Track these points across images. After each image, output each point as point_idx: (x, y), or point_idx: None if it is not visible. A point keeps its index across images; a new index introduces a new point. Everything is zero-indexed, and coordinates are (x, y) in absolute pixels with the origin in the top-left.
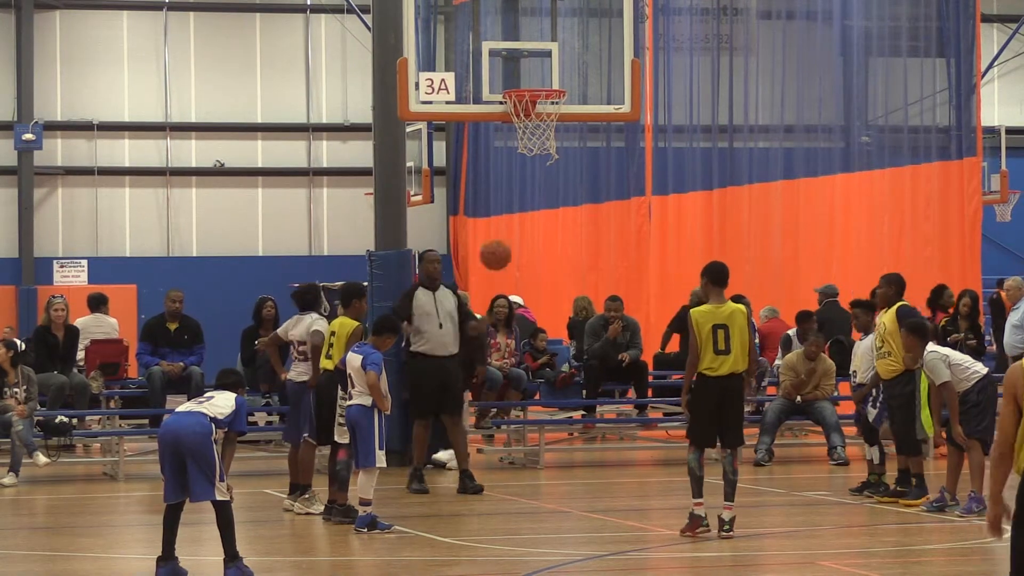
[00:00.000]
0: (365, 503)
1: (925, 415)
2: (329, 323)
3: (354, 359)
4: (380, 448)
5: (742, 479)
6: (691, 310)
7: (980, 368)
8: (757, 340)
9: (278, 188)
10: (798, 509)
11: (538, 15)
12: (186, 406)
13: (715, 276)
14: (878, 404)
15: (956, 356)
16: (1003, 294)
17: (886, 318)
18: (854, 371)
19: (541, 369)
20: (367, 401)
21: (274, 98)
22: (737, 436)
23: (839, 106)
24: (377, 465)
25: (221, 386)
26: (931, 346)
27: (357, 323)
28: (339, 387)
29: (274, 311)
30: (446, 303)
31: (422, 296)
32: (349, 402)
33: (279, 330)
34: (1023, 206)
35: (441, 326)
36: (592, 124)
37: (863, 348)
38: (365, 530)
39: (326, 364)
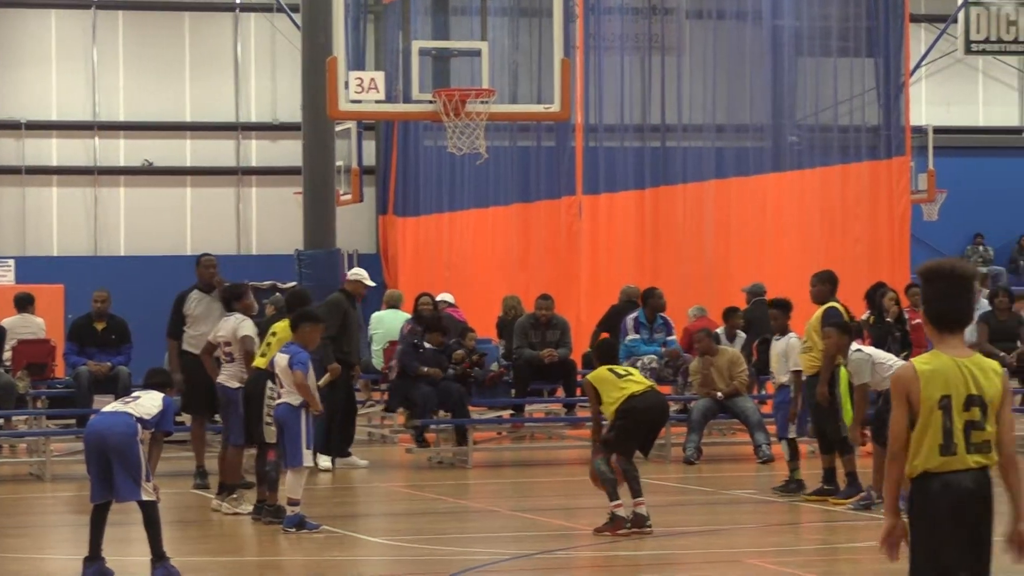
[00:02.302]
0: (293, 503)
1: (847, 411)
2: (258, 324)
3: (281, 359)
4: (308, 447)
5: (669, 477)
6: (590, 376)
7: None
8: (673, 336)
9: (207, 187)
10: (724, 507)
11: (468, 14)
12: (112, 406)
13: (608, 353)
14: (797, 419)
15: (879, 355)
16: None
17: (816, 315)
18: (773, 371)
19: (470, 368)
20: (295, 400)
21: (203, 97)
22: (648, 446)
23: (769, 106)
24: (305, 464)
25: (148, 386)
26: (855, 345)
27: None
28: (267, 386)
29: None
30: (220, 306)
31: (196, 298)
32: (277, 401)
33: (210, 336)
34: (950, 205)
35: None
36: (522, 123)
37: (777, 350)
38: (293, 530)
39: (259, 362)
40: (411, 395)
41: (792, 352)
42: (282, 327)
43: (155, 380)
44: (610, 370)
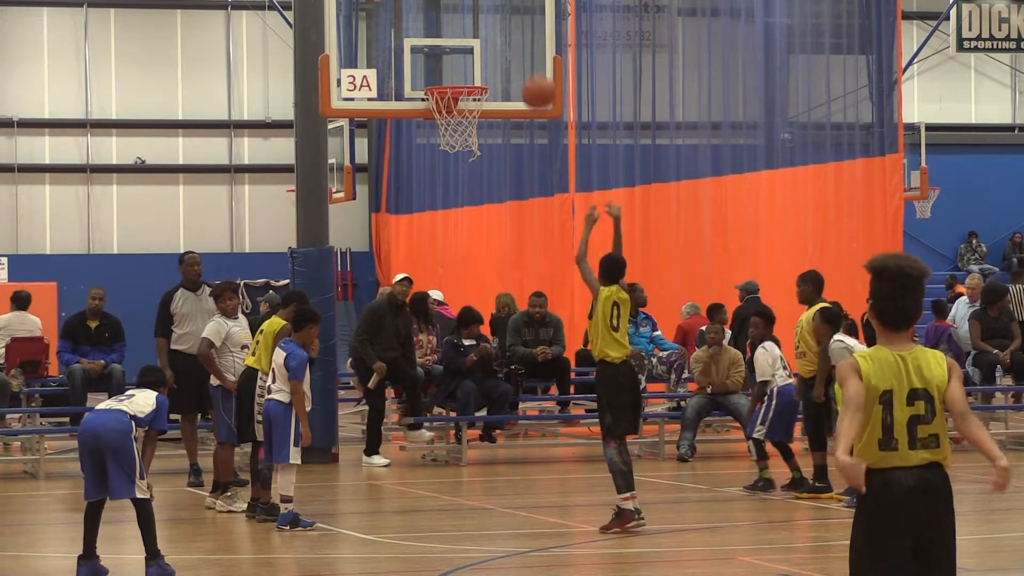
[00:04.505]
0: (286, 500)
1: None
2: (253, 322)
3: (278, 354)
4: (295, 445)
5: (663, 475)
6: (600, 287)
7: None
8: (659, 332)
9: (199, 185)
10: (719, 505)
11: (460, 12)
12: (106, 404)
13: (607, 271)
14: (767, 421)
15: (860, 348)
16: (962, 289)
17: (804, 317)
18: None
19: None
20: (285, 398)
21: (195, 95)
22: (639, 422)
23: (761, 103)
24: (291, 461)
25: (142, 384)
26: (838, 336)
27: (285, 322)
28: (257, 384)
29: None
30: (206, 304)
31: (182, 297)
32: (268, 396)
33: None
34: (943, 203)
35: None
36: (515, 121)
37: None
38: (287, 528)
39: (249, 361)
40: (455, 391)
41: (758, 362)
42: (269, 324)
43: (149, 379)
44: (613, 304)
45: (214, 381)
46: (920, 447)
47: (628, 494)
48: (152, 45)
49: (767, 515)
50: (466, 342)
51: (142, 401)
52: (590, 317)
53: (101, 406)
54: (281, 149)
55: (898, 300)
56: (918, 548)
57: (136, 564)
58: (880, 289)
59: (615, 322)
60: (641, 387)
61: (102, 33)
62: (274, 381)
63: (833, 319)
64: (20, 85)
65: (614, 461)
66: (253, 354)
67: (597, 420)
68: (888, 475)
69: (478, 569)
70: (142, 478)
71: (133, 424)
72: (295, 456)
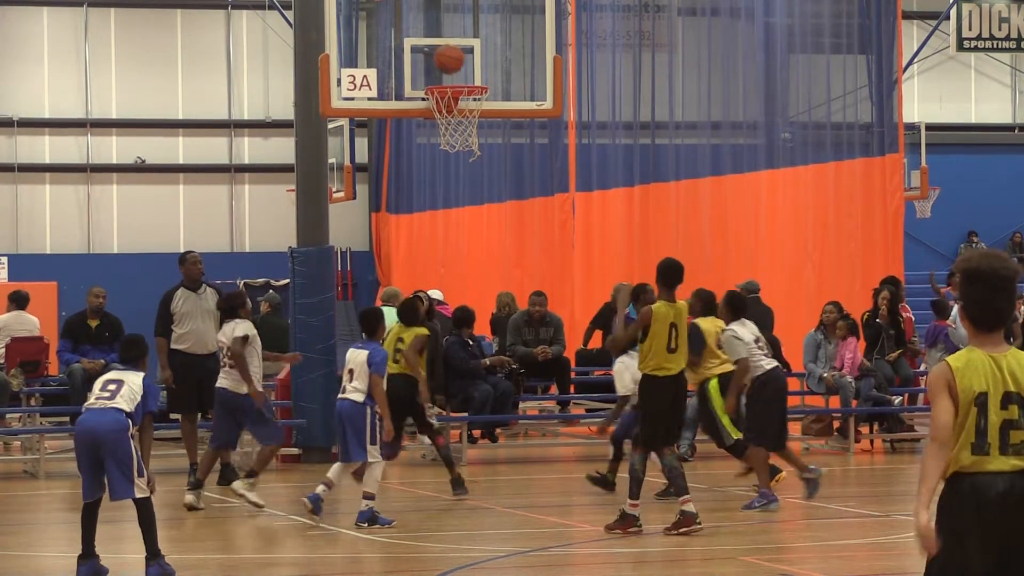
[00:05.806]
0: (368, 497)
1: (726, 420)
2: (252, 321)
3: (359, 354)
4: (372, 443)
5: (663, 475)
6: (653, 306)
7: (767, 364)
8: None
9: (200, 184)
10: (719, 504)
11: (460, 11)
12: (100, 402)
13: (666, 276)
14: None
15: (754, 348)
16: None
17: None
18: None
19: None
20: (359, 397)
21: (195, 94)
22: (679, 433)
23: (762, 103)
24: (370, 460)
25: (125, 360)
26: (733, 325)
27: (425, 331)
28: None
29: None
30: (206, 303)
31: (182, 296)
32: (341, 396)
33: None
34: (943, 202)
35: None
36: (515, 120)
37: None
38: (366, 524)
39: (393, 368)
40: (470, 393)
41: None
42: (410, 333)
43: (132, 354)
44: (671, 326)
45: (238, 388)
46: (1012, 453)
47: (637, 501)
48: (152, 45)
49: (767, 515)
50: (469, 340)
51: (131, 393)
52: (641, 341)
53: (93, 403)
54: (281, 149)
55: (992, 303)
56: (1005, 555)
57: (137, 564)
58: (972, 292)
59: (673, 343)
60: (683, 402)
61: (102, 33)
62: (351, 380)
63: (737, 304)
64: (20, 85)
65: (635, 469)
66: (396, 361)
67: (597, 420)
68: (975, 479)
69: (478, 569)
70: (141, 476)
71: (129, 423)
72: (374, 454)
